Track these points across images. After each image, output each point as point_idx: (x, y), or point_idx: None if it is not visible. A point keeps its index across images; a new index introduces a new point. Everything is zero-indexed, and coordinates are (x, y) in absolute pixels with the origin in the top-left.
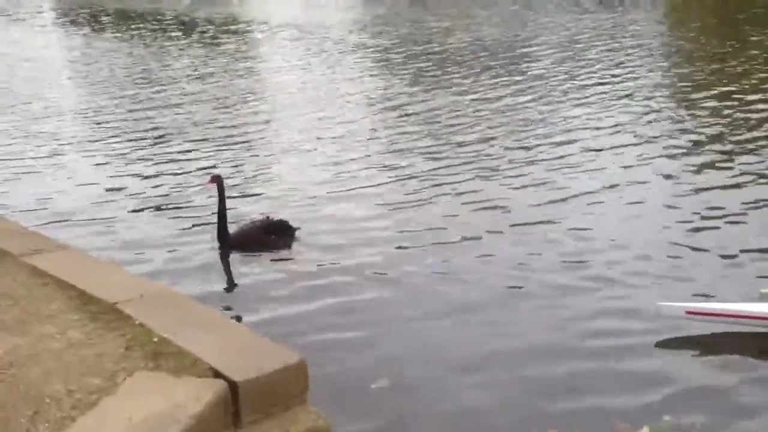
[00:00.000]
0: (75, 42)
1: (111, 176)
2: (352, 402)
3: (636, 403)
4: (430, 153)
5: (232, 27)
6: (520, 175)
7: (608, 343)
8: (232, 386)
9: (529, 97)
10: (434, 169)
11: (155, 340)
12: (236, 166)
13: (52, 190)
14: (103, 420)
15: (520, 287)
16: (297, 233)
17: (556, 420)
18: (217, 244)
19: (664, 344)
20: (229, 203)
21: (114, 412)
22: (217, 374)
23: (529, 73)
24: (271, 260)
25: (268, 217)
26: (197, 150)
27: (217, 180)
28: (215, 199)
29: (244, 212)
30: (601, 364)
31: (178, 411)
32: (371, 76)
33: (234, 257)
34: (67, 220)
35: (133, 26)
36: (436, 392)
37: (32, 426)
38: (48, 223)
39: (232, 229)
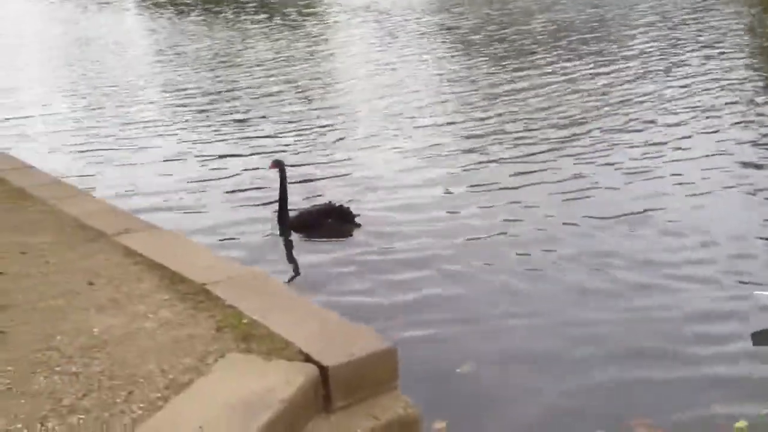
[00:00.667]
0: (158, 25)
1: (191, 158)
2: (438, 386)
3: (731, 396)
4: (511, 138)
5: (314, 9)
6: (608, 164)
7: (701, 336)
8: (323, 371)
9: (618, 79)
10: (516, 156)
11: (245, 322)
12: (311, 149)
13: (136, 172)
14: (197, 401)
15: (600, 281)
16: (358, 220)
17: (645, 412)
18: (277, 227)
19: (760, 336)
20: (298, 186)
21: (207, 393)
22: (308, 358)
23: (619, 53)
24: (331, 246)
25: (330, 203)
26: (276, 134)
27: (279, 165)
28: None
29: (312, 196)
30: (693, 357)
31: (269, 394)
32: (452, 57)
33: (295, 241)
34: (145, 201)
35: (215, 9)
36: (517, 384)
37: (127, 406)
38: (131, 203)
39: (294, 212)
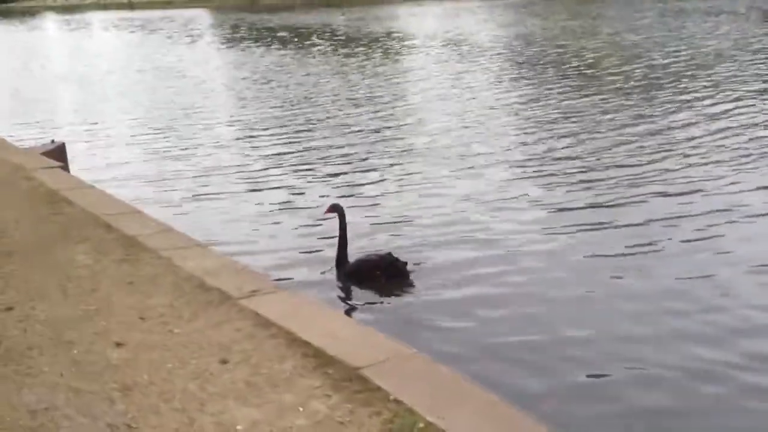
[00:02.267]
0: (232, 56)
1: (267, 194)
2: None
3: None
4: (577, 177)
5: (391, 41)
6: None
7: None
8: None
9: (694, 111)
10: (582, 190)
11: (421, 426)
12: (380, 186)
13: (222, 211)
14: None
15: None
16: (413, 275)
17: None
18: (335, 270)
19: None
20: (362, 226)
21: None
22: None
23: (691, 85)
24: (381, 300)
25: (389, 254)
26: (346, 170)
27: (336, 209)
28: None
29: (373, 237)
30: None
31: None
32: (520, 90)
33: (350, 287)
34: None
35: (293, 42)
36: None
37: None
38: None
39: (354, 256)
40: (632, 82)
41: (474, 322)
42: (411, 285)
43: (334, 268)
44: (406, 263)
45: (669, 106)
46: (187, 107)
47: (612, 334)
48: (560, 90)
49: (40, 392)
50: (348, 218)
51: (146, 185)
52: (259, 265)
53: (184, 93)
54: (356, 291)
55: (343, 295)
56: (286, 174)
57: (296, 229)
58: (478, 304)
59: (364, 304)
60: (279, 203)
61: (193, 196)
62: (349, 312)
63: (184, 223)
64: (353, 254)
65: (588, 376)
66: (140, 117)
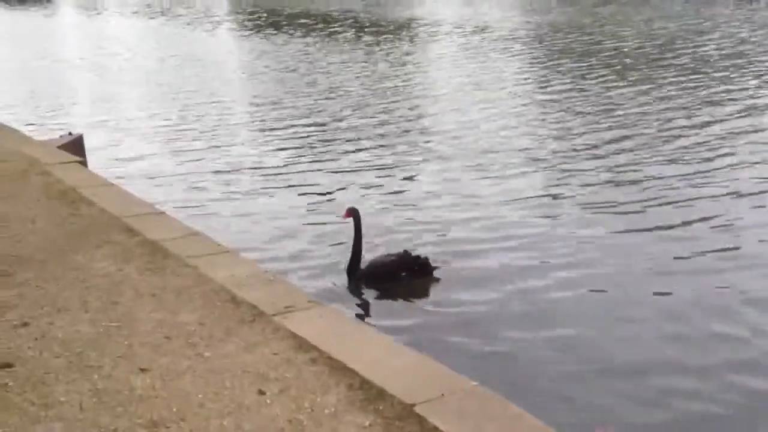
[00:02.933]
0: (253, 44)
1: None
2: None
3: None
4: (614, 174)
5: (411, 29)
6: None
7: None
8: None
9: (720, 99)
10: (617, 188)
11: None
12: (389, 181)
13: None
14: None
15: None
16: (438, 273)
17: None
18: (345, 278)
19: None
20: (374, 227)
21: None
22: None
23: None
24: (403, 304)
25: (406, 252)
26: (372, 166)
27: (353, 213)
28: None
29: (386, 236)
30: None
31: None
32: (541, 80)
33: (365, 295)
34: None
35: (315, 29)
36: None
37: None
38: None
39: (365, 263)
40: (669, 72)
41: (513, 342)
42: (436, 284)
43: (346, 276)
44: (427, 258)
45: (713, 98)
46: (209, 98)
47: (662, 360)
48: (593, 81)
49: (56, 428)
50: (369, 218)
51: (167, 182)
52: (283, 272)
53: (206, 83)
54: (380, 301)
55: (364, 306)
56: (311, 171)
57: (319, 233)
58: (512, 316)
59: (396, 318)
60: (303, 204)
61: (215, 194)
62: (386, 329)
63: (206, 223)
64: (366, 257)
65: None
66: (161, 108)
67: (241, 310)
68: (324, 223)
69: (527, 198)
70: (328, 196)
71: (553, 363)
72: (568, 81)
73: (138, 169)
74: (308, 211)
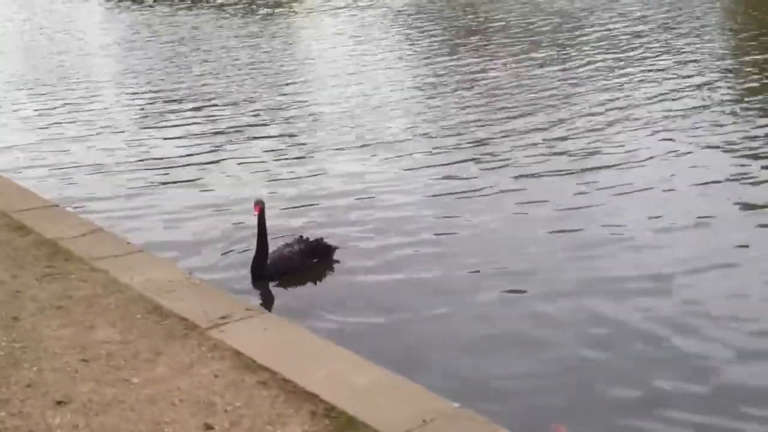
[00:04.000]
0: (132, 17)
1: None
2: None
3: None
4: (486, 142)
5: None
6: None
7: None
8: None
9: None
10: (491, 161)
11: None
12: (265, 159)
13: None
14: None
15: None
16: (337, 254)
17: None
18: (248, 276)
19: None
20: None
21: None
22: None
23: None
24: (319, 292)
25: (301, 237)
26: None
27: (263, 205)
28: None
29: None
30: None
31: None
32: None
33: (276, 290)
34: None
35: (197, 2)
36: None
37: None
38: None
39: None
40: (547, 45)
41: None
42: (340, 267)
43: (249, 274)
44: (326, 241)
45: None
46: (84, 78)
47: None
48: (490, 58)
49: None
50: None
51: (43, 174)
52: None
53: (81, 61)
54: (296, 296)
55: (285, 307)
56: (200, 154)
57: (219, 224)
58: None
59: (323, 313)
60: (200, 196)
61: (99, 190)
62: (320, 331)
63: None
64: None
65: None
66: (28, 90)
67: (169, 324)
68: (226, 218)
69: (417, 179)
70: (220, 183)
71: (490, 352)
72: (466, 58)
73: (5, 162)
74: (206, 204)
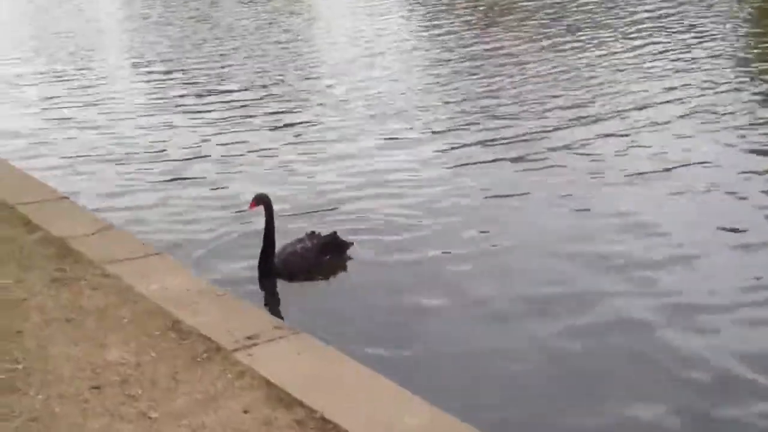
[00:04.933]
0: None
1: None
2: None
3: None
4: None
5: None
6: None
7: None
8: None
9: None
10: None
11: None
12: (274, 146)
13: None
14: None
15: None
16: (350, 251)
17: None
18: (256, 276)
19: None
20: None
21: None
22: None
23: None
24: (342, 301)
25: (314, 233)
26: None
27: (263, 201)
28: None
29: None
30: None
31: None
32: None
33: (293, 296)
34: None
35: None
36: None
37: None
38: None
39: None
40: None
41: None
42: (355, 265)
43: (258, 273)
44: (339, 236)
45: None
46: (98, 58)
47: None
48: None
49: None
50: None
51: (51, 164)
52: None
53: (95, 39)
54: (307, 301)
55: (299, 314)
56: (216, 146)
57: (231, 221)
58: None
59: (341, 325)
60: (200, 190)
61: (109, 178)
62: (376, 361)
63: (107, 216)
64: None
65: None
66: (37, 72)
67: (189, 344)
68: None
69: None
70: (236, 180)
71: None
72: (497, 41)
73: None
74: (205, 197)
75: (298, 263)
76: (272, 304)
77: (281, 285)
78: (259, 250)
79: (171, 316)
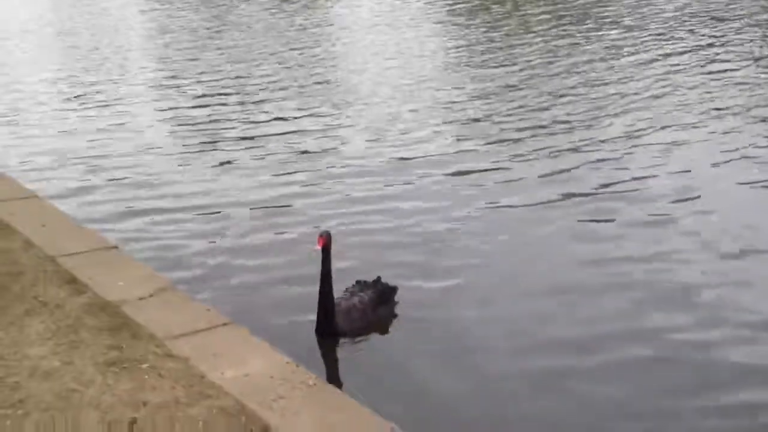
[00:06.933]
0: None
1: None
2: None
3: None
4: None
5: None
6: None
7: None
8: None
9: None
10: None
11: None
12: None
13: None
14: None
15: None
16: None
17: None
18: (314, 337)
19: None
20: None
21: None
22: None
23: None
24: (424, 371)
25: (359, 281)
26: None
27: (327, 239)
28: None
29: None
30: None
31: None
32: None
33: (349, 353)
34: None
35: None
36: None
37: None
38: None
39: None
40: (560, 26)
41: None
42: (408, 316)
43: (316, 333)
44: (380, 279)
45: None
46: (119, 76)
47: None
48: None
49: None
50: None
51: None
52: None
53: (114, 51)
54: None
55: (393, 396)
56: (229, 160)
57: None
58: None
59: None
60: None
61: (124, 206)
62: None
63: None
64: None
65: None
66: (63, 86)
67: None
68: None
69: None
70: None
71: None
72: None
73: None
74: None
75: (359, 320)
76: (353, 381)
77: (346, 347)
78: (316, 303)
79: (257, 418)
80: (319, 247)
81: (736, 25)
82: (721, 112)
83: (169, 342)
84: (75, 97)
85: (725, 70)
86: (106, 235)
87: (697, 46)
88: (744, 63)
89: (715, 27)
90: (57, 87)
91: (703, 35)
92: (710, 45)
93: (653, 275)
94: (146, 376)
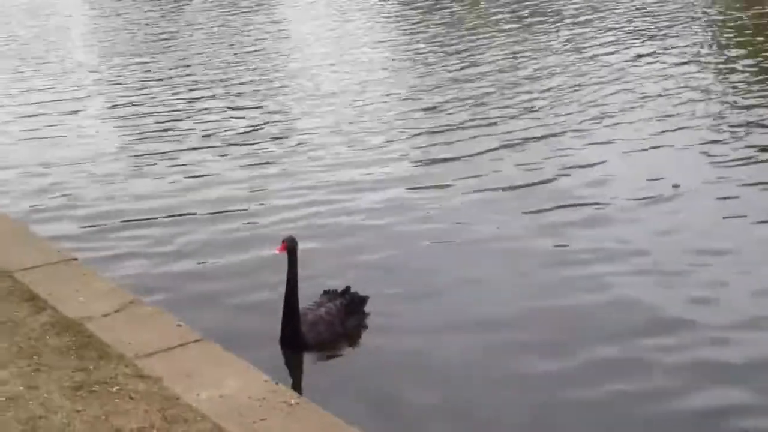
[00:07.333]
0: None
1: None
2: None
3: None
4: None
5: None
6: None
7: None
8: None
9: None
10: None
11: None
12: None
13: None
14: None
15: None
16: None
17: None
18: (277, 348)
19: None
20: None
21: None
22: None
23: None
24: (395, 386)
25: (328, 291)
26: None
27: (292, 245)
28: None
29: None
30: None
31: None
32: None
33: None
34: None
35: None
36: None
37: None
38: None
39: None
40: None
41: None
42: (378, 328)
43: (281, 345)
44: (350, 289)
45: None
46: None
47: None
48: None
49: None
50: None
51: (16, 195)
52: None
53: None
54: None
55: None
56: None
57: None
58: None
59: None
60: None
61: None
62: None
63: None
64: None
65: None
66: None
67: None
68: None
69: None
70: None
71: None
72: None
73: None
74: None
75: (326, 331)
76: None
77: (313, 359)
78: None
79: None
80: (278, 252)
81: (691, 22)
82: (679, 108)
83: (139, 361)
84: (18, 105)
85: (678, 64)
86: (62, 245)
87: (652, 43)
88: (696, 59)
89: (672, 25)
90: None
91: (658, 33)
92: (664, 41)
93: (619, 278)
94: (117, 400)
